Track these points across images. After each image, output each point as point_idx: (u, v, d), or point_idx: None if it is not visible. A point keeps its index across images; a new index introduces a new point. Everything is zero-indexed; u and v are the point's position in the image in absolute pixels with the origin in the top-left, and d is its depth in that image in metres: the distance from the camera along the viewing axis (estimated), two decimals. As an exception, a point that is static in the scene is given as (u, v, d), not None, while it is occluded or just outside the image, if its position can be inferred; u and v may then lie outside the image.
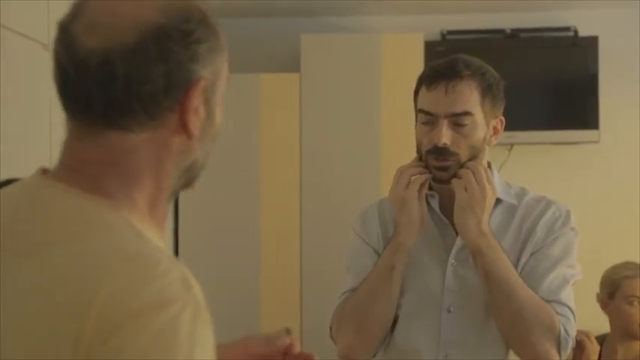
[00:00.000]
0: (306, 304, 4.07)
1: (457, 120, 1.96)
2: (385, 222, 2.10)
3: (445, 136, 1.95)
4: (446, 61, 2.01)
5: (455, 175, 1.98)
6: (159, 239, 1.09)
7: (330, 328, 2.08)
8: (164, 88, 1.04)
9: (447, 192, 2.03)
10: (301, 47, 4.12)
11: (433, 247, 2.06)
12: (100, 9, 1.05)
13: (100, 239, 1.00)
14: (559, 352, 1.93)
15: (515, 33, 4.46)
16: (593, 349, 2.89)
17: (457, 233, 2.04)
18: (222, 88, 1.12)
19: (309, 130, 4.10)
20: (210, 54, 1.08)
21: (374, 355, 2.07)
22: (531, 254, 2.02)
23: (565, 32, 4.43)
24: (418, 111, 2.02)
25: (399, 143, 4.38)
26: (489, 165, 2.08)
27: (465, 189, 1.95)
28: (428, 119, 1.98)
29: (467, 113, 1.96)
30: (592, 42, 4.38)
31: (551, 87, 4.48)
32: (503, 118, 2.05)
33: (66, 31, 1.06)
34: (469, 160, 1.98)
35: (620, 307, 2.95)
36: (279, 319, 4.12)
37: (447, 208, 2.05)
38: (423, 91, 2.00)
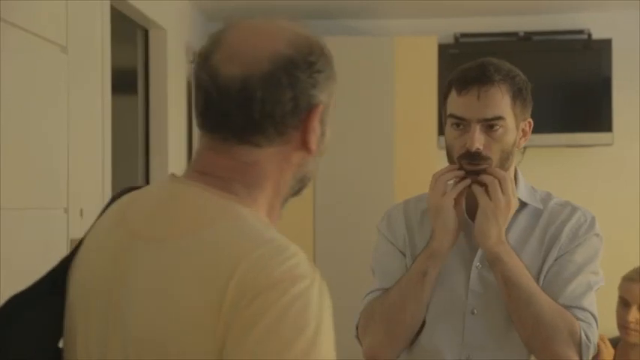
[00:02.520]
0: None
1: (489, 125, 1.95)
2: (411, 225, 2.10)
3: (478, 140, 1.94)
4: (476, 65, 1.99)
5: (477, 181, 1.98)
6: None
7: (357, 328, 2.08)
8: (292, 110, 1.22)
9: (474, 195, 2.02)
10: (315, 50, 4.13)
11: (458, 250, 2.05)
12: (238, 41, 1.23)
13: (234, 225, 1.19)
14: (580, 358, 1.92)
15: (529, 36, 4.47)
16: (608, 352, 2.91)
17: None
18: (332, 110, 1.30)
19: (323, 133, 4.11)
20: (327, 81, 1.26)
21: (398, 356, 2.07)
22: (555, 260, 2.01)
23: (578, 35, 4.43)
24: (449, 116, 2.01)
25: (413, 145, 4.39)
26: (515, 170, 2.08)
27: (490, 197, 1.94)
28: (459, 124, 1.99)
29: (499, 118, 1.95)
30: (606, 45, 4.39)
31: (565, 90, 4.48)
32: (531, 120, 2.06)
33: (207, 60, 1.23)
34: (500, 163, 1.97)
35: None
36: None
37: (474, 210, 2.04)
38: (453, 95, 1.99)
